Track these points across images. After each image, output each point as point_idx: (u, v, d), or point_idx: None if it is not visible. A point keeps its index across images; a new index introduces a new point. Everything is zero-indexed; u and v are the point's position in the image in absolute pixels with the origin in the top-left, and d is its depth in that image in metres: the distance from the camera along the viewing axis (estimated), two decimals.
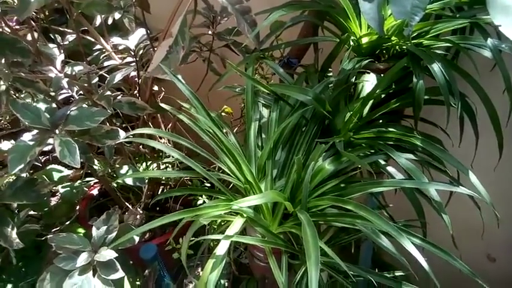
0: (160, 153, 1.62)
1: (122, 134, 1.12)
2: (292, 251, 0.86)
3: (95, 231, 1.10)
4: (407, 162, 0.82)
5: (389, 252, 0.74)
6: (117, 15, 1.38)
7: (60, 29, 1.48)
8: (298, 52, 1.19)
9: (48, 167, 1.63)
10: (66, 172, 1.64)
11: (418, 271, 0.75)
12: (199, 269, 1.47)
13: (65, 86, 1.15)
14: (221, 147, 0.92)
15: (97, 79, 1.27)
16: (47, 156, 1.89)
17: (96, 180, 1.72)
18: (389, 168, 0.87)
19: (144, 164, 1.60)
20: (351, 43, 0.97)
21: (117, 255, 1.04)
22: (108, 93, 1.18)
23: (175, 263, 1.49)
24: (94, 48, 1.44)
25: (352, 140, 0.92)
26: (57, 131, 1.01)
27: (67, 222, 1.54)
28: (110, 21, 1.43)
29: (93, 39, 1.37)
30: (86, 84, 1.22)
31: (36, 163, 1.69)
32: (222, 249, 0.79)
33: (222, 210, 0.83)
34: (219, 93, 1.12)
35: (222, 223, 1.27)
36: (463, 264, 0.74)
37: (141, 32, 1.28)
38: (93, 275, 1.02)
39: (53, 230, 1.48)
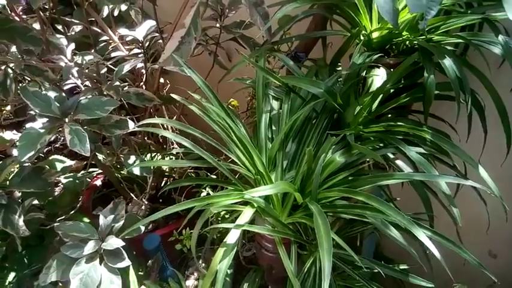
0: (165, 145, 1.63)
1: (131, 124, 1.13)
2: (301, 241, 0.87)
3: (102, 220, 1.11)
4: (418, 156, 0.83)
5: (399, 243, 0.75)
6: (123, 7, 1.38)
7: (67, 19, 1.48)
8: (305, 46, 1.19)
9: (50, 158, 1.63)
10: (69, 162, 1.64)
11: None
12: (200, 261, 1.48)
13: (74, 75, 1.15)
14: (232, 137, 0.92)
15: (105, 69, 1.27)
16: (49, 147, 1.89)
17: (99, 171, 1.72)
18: (398, 162, 0.88)
19: (148, 155, 1.60)
20: (362, 37, 0.98)
21: (124, 244, 1.05)
22: (117, 83, 1.19)
23: (177, 255, 1.50)
24: (100, 40, 1.45)
25: (362, 133, 0.93)
26: (67, 120, 1.01)
27: (71, 212, 1.54)
28: (116, 13, 1.43)
29: (99, 30, 1.38)
30: (94, 74, 1.22)
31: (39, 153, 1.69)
32: (232, 238, 0.80)
33: (234, 199, 0.83)
34: (224, 87, 1.13)
35: (226, 215, 1.28)
36: (472, 256, 0.75)
37: (149, 23, 1.28)
38: (100, 263, 1.03)
39: (57, 220, 1.49)
